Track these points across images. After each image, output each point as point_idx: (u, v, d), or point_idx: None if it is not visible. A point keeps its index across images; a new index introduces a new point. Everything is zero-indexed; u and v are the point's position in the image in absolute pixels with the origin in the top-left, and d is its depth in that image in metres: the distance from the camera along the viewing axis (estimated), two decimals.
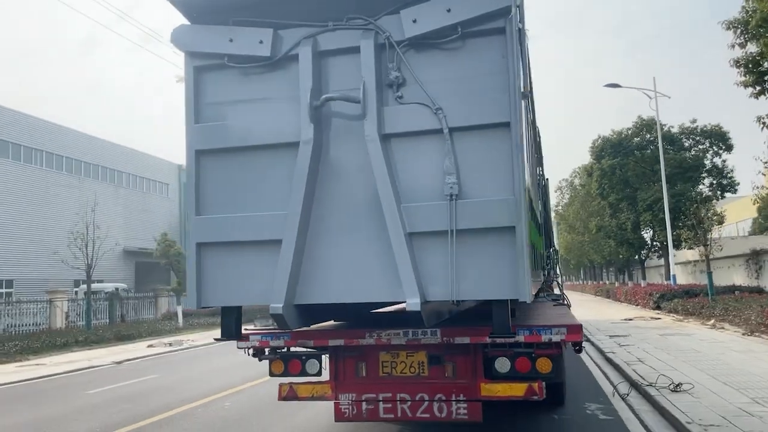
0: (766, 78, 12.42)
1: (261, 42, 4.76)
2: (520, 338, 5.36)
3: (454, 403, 5.56)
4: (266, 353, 5.97)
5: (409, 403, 5.62)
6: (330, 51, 4.72)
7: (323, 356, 6.02)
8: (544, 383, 5.45)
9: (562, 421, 7.25)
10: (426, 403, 5.57)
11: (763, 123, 11.31)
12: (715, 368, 9.86)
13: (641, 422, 7.01)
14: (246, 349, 5.95)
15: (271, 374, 6.03)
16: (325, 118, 4.72)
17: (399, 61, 4.59)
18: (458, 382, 5.58)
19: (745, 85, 12.74)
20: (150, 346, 19.76)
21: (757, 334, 14.23)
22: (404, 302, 4.45)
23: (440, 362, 5.64)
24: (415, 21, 4.50)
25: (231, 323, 5.03)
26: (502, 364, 5.53)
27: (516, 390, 5.52)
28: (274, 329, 5.86)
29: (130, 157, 41.85)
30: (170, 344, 19.91)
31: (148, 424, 7.96)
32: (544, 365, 5.44)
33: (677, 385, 8.20)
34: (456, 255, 4.38)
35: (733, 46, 12.94)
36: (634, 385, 8.96)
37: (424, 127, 4.54)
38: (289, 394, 5.93)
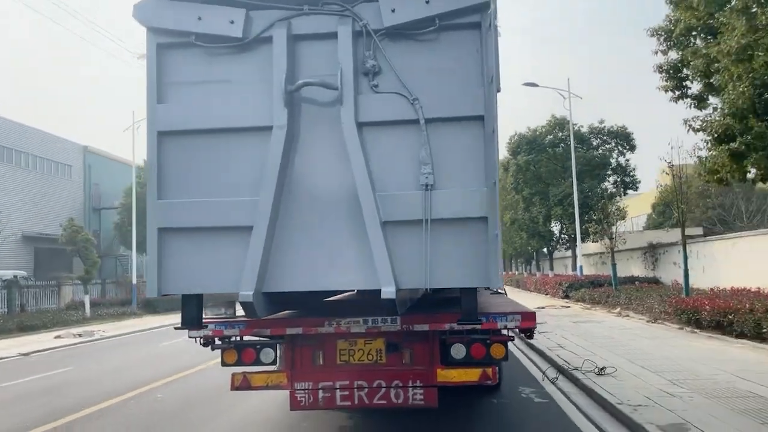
0: (684, 84, 13.41)
1: (232, 22, 4.61)
2: (477, 326, 5.55)
3: (410, 389, 5.66)
4: (218, 342, 5.82)
5: (366, 390, 5.66)
6: (304, 35, 4.65)
7: (278, 345, 5.95)
8: (497, 368, 5.68)
9: (502, 405, 7.56)
10: (383, 390, 5.63)
11: (690, 126, 12.22)
12: (631, 353, 10.58)
13: (574, 404, 7.42)
14: (198, 339, 5.79)
15: (224, 364, 5.88)
16: (297, 104, 4.65)
17: (375, 49, 4.60)
18: (415, 369, 5.69)
19: (666, 89, 13.69)
20: (57, 337, 18.60)
21: (660, 321, 15.40)
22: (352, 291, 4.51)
23: (398, 349, 5.72)
24: (393, 10, 4.52)
25: (192, 311, 4.87)
26: (458, 351, 5.69)
27: (471, 375, 5.71)
28: (227, 318, 5.73)
29: (27, 135, 38.96)
30: (80, 335, 18.83)
31: (78, 418, 7.53)
32: (497, 351, 5.65)
33: (601, 369, 8.73)
34: (430, 244, 4.47)
35: (656, 53, 13.87)
36: (560, 370, 9.46)
37: (399, 117, 4.58)
38: (242, 384, 5.80)
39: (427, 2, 4.48)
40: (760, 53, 8.37)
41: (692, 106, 13.45)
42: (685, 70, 13.01)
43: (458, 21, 4.55)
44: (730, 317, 11.77)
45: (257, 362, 5.79)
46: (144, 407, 8.02)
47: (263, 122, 4.65)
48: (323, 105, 4.64)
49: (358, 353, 5.76)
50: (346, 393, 5.68)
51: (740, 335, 11.56)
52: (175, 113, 4.74)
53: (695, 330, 12.90)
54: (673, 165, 16.83)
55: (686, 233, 17.69)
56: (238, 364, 5.81)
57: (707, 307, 12.54)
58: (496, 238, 4.43)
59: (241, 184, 4.71)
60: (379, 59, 4.60)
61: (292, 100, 4.60)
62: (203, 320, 5.59)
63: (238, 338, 5.85)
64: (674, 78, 13.41)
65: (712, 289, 16.45)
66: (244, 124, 4.69)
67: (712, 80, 11.93)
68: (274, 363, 5.82)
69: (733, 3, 7.32)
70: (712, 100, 12.99)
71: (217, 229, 4.68)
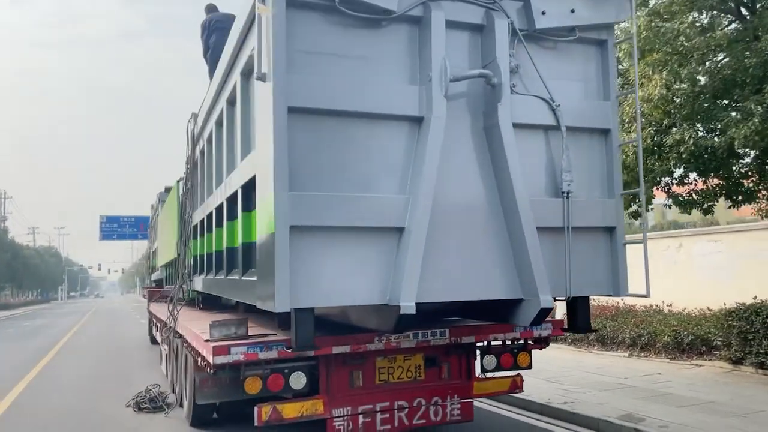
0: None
1: None
2: (516, 335, 5.66)
3: (449, 405, 5.50)
4: (242, 368, 4.86)
5: (406, 410, 5.35)
6: (453, 23, 4.27)
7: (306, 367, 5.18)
8: (522, 377, 5.85)
9: None
10: (423, 408, 5.39)
11: None
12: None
13: None
14: (226, 366, 4.80)
15: (245, 395, 4.91)
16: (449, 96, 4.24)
17: (520, 49, 4.45)
18: (453, 383, 5.56)
19: None
20: None
21: None
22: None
23: (436, 364, 5.52)
24: (544, 13, 4.45)
25: (309, 329, 3.98)
26: (490, 361, 5.76)
27: (503, 385, 5.82)
28: (240, 338, 4.89)
29: None
30: None
31: None
32: (524, 359, 5.86)
33: None
34: (569, 252, 4.46)
35: None
36: None
37: (540, 121, 4.51)
38: (272, 417, 4.92)
39: (573, 11, 4.52)
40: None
41: None
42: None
43: (592, 36, 4.67)
44: None
45: (286, 389, 4.96)
46: None
47: (410, 111, 4.14)
48: (470, 100, 4.33)
49: (398, 371, 5.38)
50: (387, 416, 5.28)
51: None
52: (309, 87, 3.92)
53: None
54: None
55: None
56: (262, 393, 4.92)
57: None
58: (623, 247, 4.62)
59: (381, 179, 4.10)
60: (520, 60, 4.46)
61: (433, 92, 4.17)
62: (223, 342, 4.78)
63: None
64: None
65: None
66: (388, 110, 4.10)
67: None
68: (305, 389, 5.04)
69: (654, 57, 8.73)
70: None
71: (359, 229, 3.98)
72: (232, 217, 5.65)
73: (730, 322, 9.18)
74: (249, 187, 4.90)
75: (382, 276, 4.01)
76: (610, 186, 4.69)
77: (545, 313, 4.26)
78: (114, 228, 47.87)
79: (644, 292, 4.49)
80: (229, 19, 8.61)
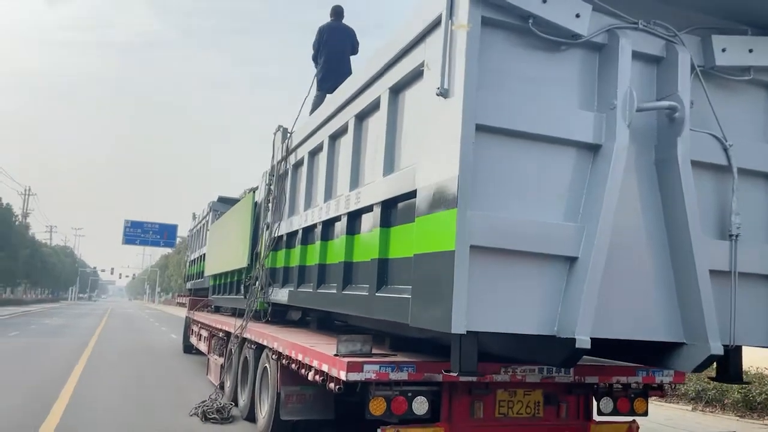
0: None
1: (578, 16, 3.93)
2: (639, 379, 5.47)
3: None
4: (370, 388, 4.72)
5: None
6: (635, 53, 4.16)
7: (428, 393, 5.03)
8: (638, 423, 5.62)
9: None
10: None
11: None
12: None
13: None
14: (358, 385, 4.66)
15: (368, 416, 4.76)
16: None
17: (695, 85, 4.32)
18: (571, 424, 5.37)
19: None
20: None
21: None
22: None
23: (555, 402, 5.32)
24: (724, 50, 4.34)
25: (474, 354, 3.83)
26: (606, 404, 5.57)
27: (619, 430, 5.58)
28: (367, 356, 4.81)
29: None
30: None
31: None
32: (640, 405, 5.64)
33: None
34: (734, 298, 4.28)
35: None
36: None
37: (711, 160, 4.38)
38: None
39: (751, 51, 4.40)
40: None
41: None
42: None
43: (764, 78, 4.55)
44: None
45: (408, 413, 4.81)
46: None
47: (585, 137, 4.02)
48: (643, 132, 4.20)
49: (517, 405, 5.20)
50: None
51: None
52: (495, 106, 3.81)
53: None
54: None
55: None
56: (386, 415, 4.76)
57: None
58: None
59: (553, 205, 3.97)
60: (694, 95, 4.33)
61: (616, 121, 4.05)
62: (354, 359, 4.69)
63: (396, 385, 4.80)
64: None
65: None
66: (564, 134, 3.99)
67: None
68: (427, 415, 4.89)
69: None
70: None
71: (532, 255, 3.83)
72: (353, 231, 5.53)
73: None
74: (391, 204, 4.80)
75: (549, 306, 3.85)
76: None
77: (712, 360, 4.06)
78: (137, 233, 48.17)
79: None
80: (346, 31, 8.68)
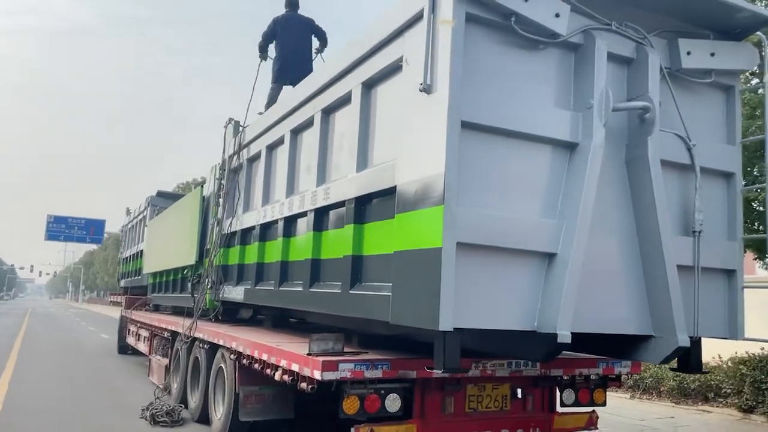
0: None
1: (557, 15, 3.98)
2: (599, 371, 5.66)
3: None
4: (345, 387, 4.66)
5: None
6: (609, 53, 4.25)
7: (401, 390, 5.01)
8: (597, 413, 5.82)
9: None
10: None
11: None
12: None
13: None
14: (333, 384, 4.58)
15: (342, 414, 4.70)
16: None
17: (662, 87, 4.46)
18: (536, 416, 5.51)
19: None
20: None
21: None
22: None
23: (521, 395, 5.43)
24: (689, 53, 4.49)
25: (457, 351, 3.81)
26: (569, 396, 5.75)
27: (580, 421, 5.78)
28: (338, 353, 4.76)
29: None
30: None
31: None
32: (599, 396, 5.86)
33: None
34: (698, 292, 4.45)
35: None
36: None
37: (676, 159, 4.52)
38: None
39: (713, 55, 4.58)
40: None
41: None
42: None
43: (723, 80, 4.75)
44: None
45: (381, 411, 4.78)
46: None
47: (563, 135, 4.08)
48: (614, 131, 4.29)
49: (486, 399, 5.28)
50: None
51: None
52: (482, 103, 3.81)
53: None
54: None
55: None
56: (359, 414, 4.71)
57: None
58: (742, 291, 4.65)
59: (531, 202, 4.00)
60: (662, 97, 4.46)
61: (593, 120, 4.13)
62: (330, 358, 4.64)
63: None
64: None
65: None
66: (542, 132, 4.02)
67: None
68: (399, 412, 4.87)
69: None
70: None
71: (513, 251, 3.86)
72: (321, 227, 5.41)
73: (742, 371, 9.43)
74: (365, 201, 4.72)
75: (528, 302, 3.90)
76: (731, 229, 4.73)
77: (679, 351, 4.22)
78: (62, 229, 45.63)
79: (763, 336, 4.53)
80: (303, 21, 8.42)
